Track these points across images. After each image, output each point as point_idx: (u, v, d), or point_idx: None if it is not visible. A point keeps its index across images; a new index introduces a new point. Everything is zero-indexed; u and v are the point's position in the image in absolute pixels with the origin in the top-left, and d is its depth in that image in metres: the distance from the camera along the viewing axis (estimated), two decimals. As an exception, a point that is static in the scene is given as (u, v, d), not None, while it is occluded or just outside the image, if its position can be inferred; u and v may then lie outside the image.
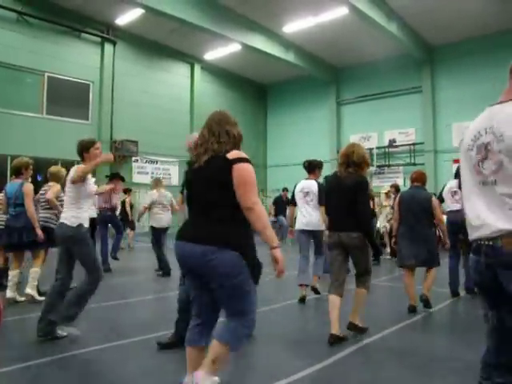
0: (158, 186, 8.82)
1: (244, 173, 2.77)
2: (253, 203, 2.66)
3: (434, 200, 5.81)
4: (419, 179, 5.92)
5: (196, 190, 2.88)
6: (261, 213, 2.68)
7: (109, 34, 18.30)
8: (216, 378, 2.75)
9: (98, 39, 18.27)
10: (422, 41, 18.99)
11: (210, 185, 2.76)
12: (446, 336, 4.74)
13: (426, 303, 5.48)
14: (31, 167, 5.98)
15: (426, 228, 5.59)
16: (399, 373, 3.53)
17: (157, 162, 20.31)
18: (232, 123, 3.12)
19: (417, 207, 5.62)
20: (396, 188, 11.13)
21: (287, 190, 15.77)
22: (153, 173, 19.85)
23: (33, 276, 5.88)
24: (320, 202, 5.84)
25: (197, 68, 21.95)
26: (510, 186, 1.94)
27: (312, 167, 6.32)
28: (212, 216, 2.72)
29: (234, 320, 2.72)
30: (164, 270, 8.36)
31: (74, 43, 17.63)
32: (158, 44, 19.99)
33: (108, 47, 18.50)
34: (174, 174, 20.85)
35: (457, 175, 6.82)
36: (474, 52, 18.17)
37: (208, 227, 2.71)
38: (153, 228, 8.58)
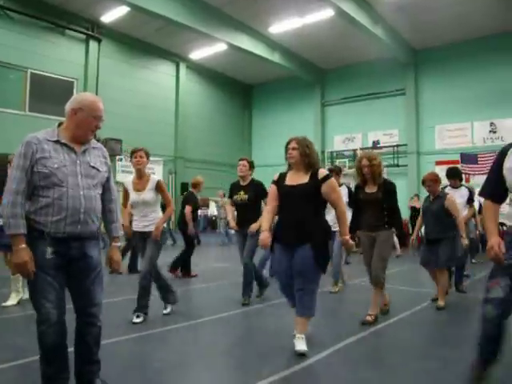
0: None
1: None
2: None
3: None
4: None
5: None
6: None
7: (94, 31, 18.11)
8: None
9: (83, 36, 18.06)
10: (407, 44, 19.18)
11: None
12: (431, 335, 4.80)
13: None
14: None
15: None
16: (377, 372, 3.55)
17: (141, 161, 20.18)
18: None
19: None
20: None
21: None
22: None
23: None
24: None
25: (182, 67, 21.89)
26: None
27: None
28: None
29: None
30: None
31: (57, 40, 17.40)
32: (143, 42, 19.89)
33: (93, 45, 18.30)
34: (159, 174, 20.74)
35: (450, 175, 7.10)
36: (458, 56, 18.42)
37: None
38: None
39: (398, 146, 20.01)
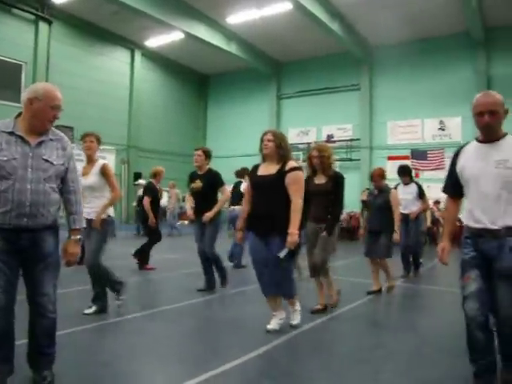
0: None
1: None
2: None
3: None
4: None
5: None
6: None
7: (44, 12, 17.37)
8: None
9: (32, 17, 17.28)
10: (363, 40, 19.49)
11: None
12: (372, 325, 4.92)
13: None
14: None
15: None
16: (328, 362, 3.62)
17: (93, 149, 19.67)
18: None
19: None
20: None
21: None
22: (88, 160, 19.27)
23: None
24: None
25: (137, 54, 21.45)
26: None
27: None
28: None
29: None
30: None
31: (4, 19, 16.55)
32: (97, 27, 19.30)
33: (43, 26, 17.54)
34: (111, 163, 20.32)
35: (400, 173, 7.56)
36: (411, 55, 18.88)
37: None
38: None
39: (351, 140, 20.36)
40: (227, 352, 3.75)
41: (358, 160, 19.73)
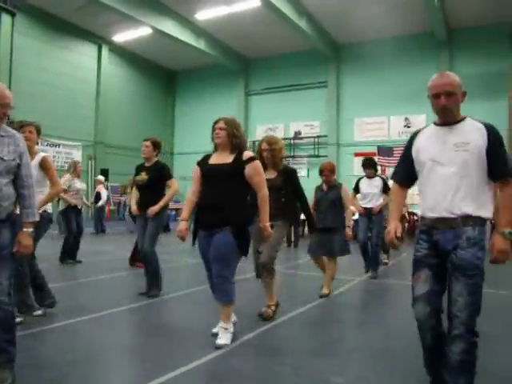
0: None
1: None
2: None
3: None
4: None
5: None
6: None
7: (6, 3, 16.84)
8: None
9: (-6, 9, 16.85)
10: (330, 38, 19.71)
11: None
12: (340, 321, 5.00)
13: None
14: None
15: None
16: (293, 358, 3.63)
17: (59, 146, 19.32)
18: None
19: None
20: None
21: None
22: (54, 156, 18.88)
23: None
24: None
25: (104, 49, 21.14)
26: None
27: None
28: None
29: None
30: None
31: (-36, 11, 16.10)
32: (62, 21, 18.93)
33: (6, 18, 17.02)
34: (78, 158, 19.97)
35: (365, 166, 7.40)
36: (378, 53, 19.20)
37: None
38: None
39: (318, 137, 20.58)
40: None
41: (326, 156, 19.92)
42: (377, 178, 7.44)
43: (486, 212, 2.51)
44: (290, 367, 3.12)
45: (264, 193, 3.85)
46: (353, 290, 6.48)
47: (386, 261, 8.78)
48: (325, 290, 5.80)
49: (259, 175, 3.85)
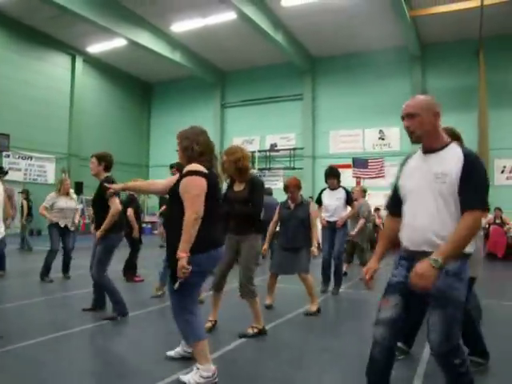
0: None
1: None
2: None
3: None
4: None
5: (220, 199, 3.47)
6: None
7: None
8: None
9: (-36, 19, 16.56)
10: (306, 52, 19.92)
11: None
12: (316, 331, 4.99)
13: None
14: None
15: None
16: (272, 368, 3.63)
17: (31, 158, 18.95)
18: None
19: None
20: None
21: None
22: (26, 169, 18.54)
23: None
24: None
25: (78, 60, 20.93)
26: None
27: None
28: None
29: None
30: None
31: None
32: (35, 31, 18.70)
33: (-23, 30, 16.86)
34: (50, 172, 19.65)
35: (328, 175, 7.03)
36: (353, 66, 19.51)
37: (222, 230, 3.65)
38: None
39: (294, 149, 20.69)
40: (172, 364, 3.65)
41: (301, 169, 20.06)
42: (340, 190, 6.90)
43: (468, 246, 2.37)
44: (266, 379, 3.11)
45: (187, 216, 3.07)
46: (333, 300, 6.48)
47: (345, 270, 8.40)
48: (312, 308, 5.57)
49: (187, 192, 3.13)
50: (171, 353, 3.77)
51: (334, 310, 6.22)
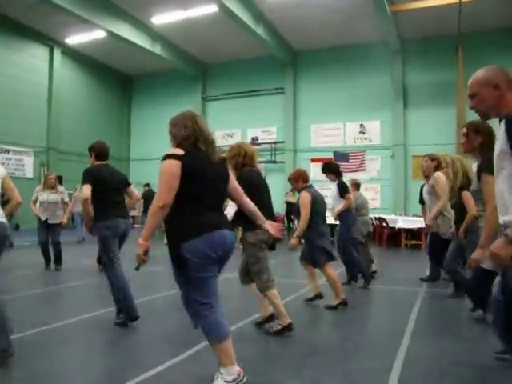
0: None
1: None
2: None
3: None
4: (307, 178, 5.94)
5: (214, 182, 3.13)
6: None
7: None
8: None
9: None
10: (287, 45, 19.93)
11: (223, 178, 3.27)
12: (298, 325, 5.03)
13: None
14: None
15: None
16: (251, 363, 3.62)
17: (8, 152, 18.60)
18: None
19: (324, 205, 5.86)
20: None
21: (149, 186, 15.58)
22: (3, 163, 18.20)
23: None
24: None
25: (57, 52, 20.56)
26: None
27: None
28: (221, 208, 3.26)
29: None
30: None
31: None
32: (11, 20, 18.22)
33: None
34: (29, 166, 19.34)
35: (322, 171, 7.16)
36: (334, 60, 19.61)
37: (223, 216, 3.24)
38: None
39: (275, 142, 20.73)
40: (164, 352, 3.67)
41: (283, 162, 20.11)
42: (335, 183, 7.09)
43: None
44: (247, 373, 3.11)
45: (153, 203, 2.94)
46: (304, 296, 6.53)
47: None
48: (334, 301, 5.59)
49: (160, 177, 2.97)
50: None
51: (314, 302, 6.25)
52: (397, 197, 18.24)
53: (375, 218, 14.72)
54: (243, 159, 4.55)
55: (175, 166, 2.96)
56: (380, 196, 18.76)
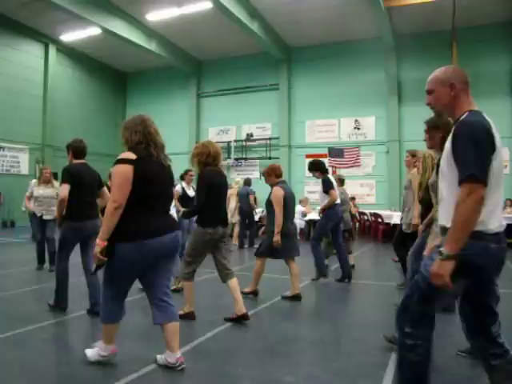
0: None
1: None
2: None
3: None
4: (280, 174, 6.08)
5: (164, 186, 3.35)
6: None
7: None
8: None
9: None
10: (282, 41, 19.91)
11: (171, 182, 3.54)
12: (293, 320, 5.08)
13: None
14: None
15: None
16: (247, 358, 3.70)
17: (3, 149, 18.57)
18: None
19: (294, 202, 6.05)
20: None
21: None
22: (-1, 160, 18.19)
23: None
24: None
25: (52, 49, 20.48)
26: None
27: None
28: (168, 210, 3.47)
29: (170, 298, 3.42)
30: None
31: None
32: (5, 17, 18.14)
33: None
34: (24, 163, 19.30)
35: (309, 169, 7.24)
36: (329, 56, 19.61)
37: (169, 219, 3.45)
38: None
39: (270, 139, 20.74)
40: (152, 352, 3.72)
41: (278, 158, 20.12)
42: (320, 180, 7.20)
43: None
44: (242, 368, 3.16)
45: (108, 205, 3.12)
46: (309, 289, 6.58)
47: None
48: (246, 289, 5.85)
49: (114, 182, 3.16)
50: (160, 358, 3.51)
51: (309, 299, 6.30)
52: (392, 192, 18.30)
53: (370, 214, 14.86)
54: (206, 158, 4.76)
55: (128, 170, 3.14)
56: (375, 192, 18.84)
